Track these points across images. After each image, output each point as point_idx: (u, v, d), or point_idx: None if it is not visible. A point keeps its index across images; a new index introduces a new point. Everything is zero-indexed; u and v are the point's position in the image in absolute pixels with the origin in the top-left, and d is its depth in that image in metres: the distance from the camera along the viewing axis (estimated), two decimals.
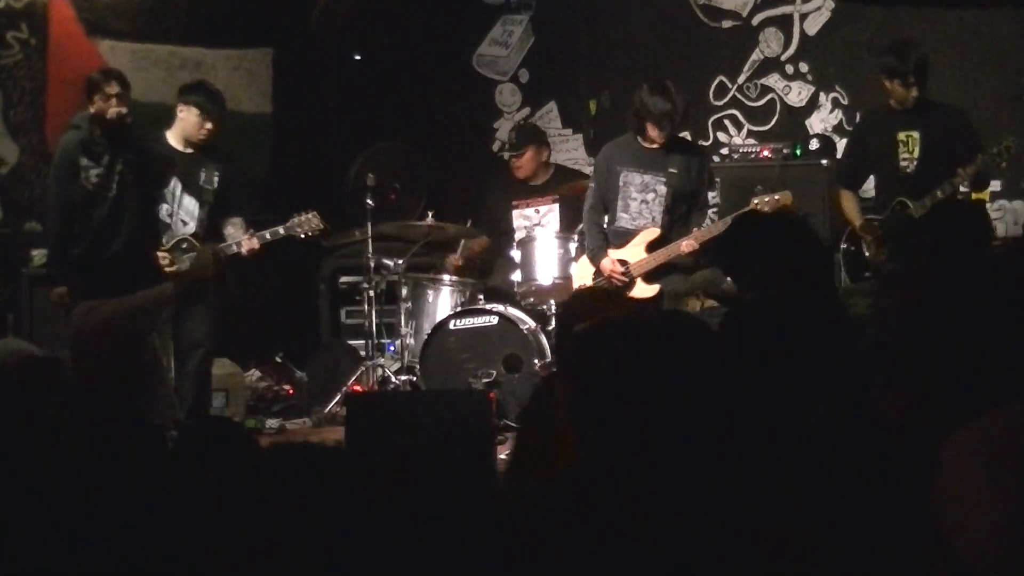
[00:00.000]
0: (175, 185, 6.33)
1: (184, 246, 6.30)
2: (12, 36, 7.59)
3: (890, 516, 1.78)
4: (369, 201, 7.11)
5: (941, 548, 1.32)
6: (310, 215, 6.54)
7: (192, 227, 6.37)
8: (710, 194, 6.51)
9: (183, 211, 6.37)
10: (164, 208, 6.31)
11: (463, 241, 7.69)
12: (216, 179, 6.40)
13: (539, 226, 7.41)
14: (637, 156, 6.32)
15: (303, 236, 6.55)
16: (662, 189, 6.26)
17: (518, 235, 7.35)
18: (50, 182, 6.24)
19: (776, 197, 6.03)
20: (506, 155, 7.85)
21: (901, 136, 6.07)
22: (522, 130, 7.88)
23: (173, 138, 6.37)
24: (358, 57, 9.12)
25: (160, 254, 6.20)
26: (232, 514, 2.02)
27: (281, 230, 6.47)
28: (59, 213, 6.06)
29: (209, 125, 6.35)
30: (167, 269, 6.19)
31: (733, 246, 3.83)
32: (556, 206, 7.48)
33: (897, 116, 6.12)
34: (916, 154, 6.03)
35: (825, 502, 1.82)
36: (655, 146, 6.27)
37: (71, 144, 5.96)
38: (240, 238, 6.36)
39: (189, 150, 6.39)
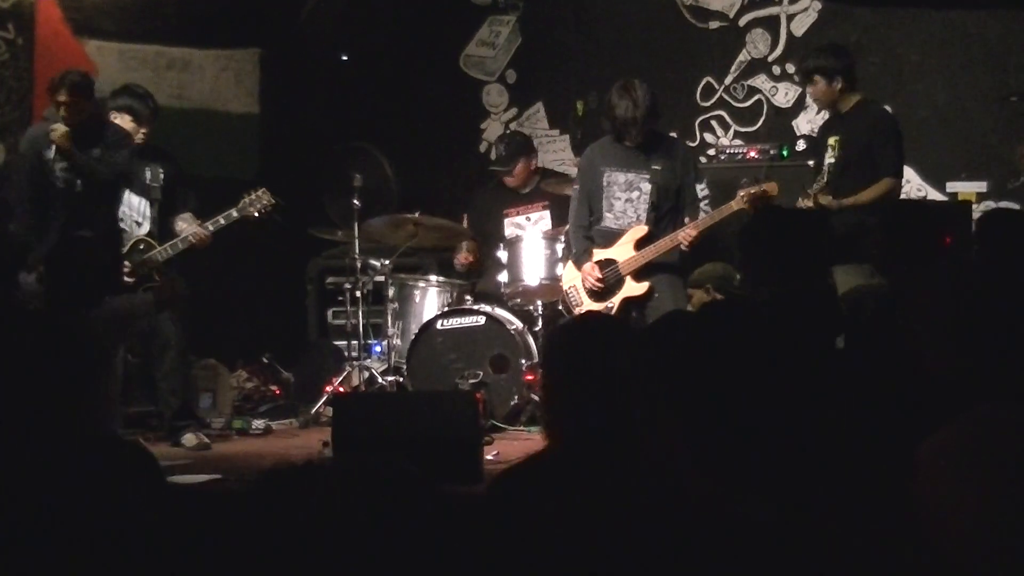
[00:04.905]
0: (122, 189, 6.34)
1: (141, 247, 6.33)
2: None
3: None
4: (355, 201, 7.10)
5: (921, 546, 1.34)
6: (260, 192, 6.46)
7: (146, 227, 6.40)
8: (699, 187, 6.48)
9: (135, 212, 6.39)
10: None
11: (464, 243, 7.60)
12: (161, 176, 6.44)
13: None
14: (620, 155, 6.33)
15: (257, 215, 6.45)
16: (646, 187, 6.26)
17: None
18: (13, 174, 6.23)
19: (763, 187, 6.01)
20: (495, 169, 7.64)
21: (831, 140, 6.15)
22: (510, 143, 7.60)
23: None
24: (345, 57, 9.12)
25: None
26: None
27: (234, 212, 6.40)
28: (25, 205, 6.11)
29: (145, 128, 6.37)
30: (126, 278, 6.21)
31: (755, 241, 3.78)
32: (547, 212, 7.43)
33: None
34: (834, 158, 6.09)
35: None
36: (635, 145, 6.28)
37: (38, 135, 6.01)
38: (191, 231, 6.34)
39: None
